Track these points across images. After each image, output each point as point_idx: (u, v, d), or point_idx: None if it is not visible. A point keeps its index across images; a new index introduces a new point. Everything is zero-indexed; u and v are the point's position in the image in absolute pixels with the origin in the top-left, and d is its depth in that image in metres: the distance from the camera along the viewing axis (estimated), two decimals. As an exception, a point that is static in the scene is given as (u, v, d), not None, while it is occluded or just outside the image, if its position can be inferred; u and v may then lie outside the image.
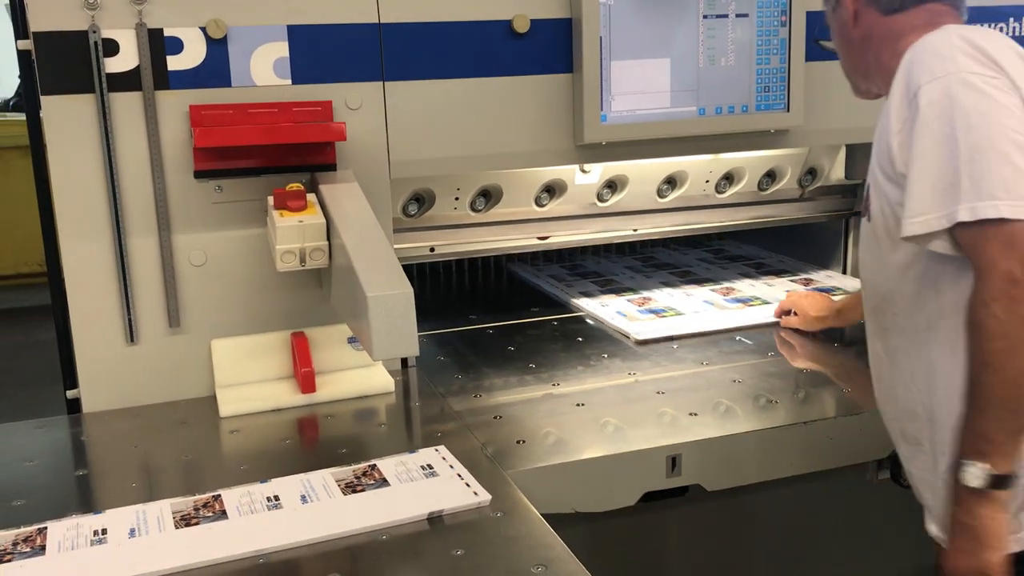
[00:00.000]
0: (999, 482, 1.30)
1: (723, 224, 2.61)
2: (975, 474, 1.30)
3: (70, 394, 1.94)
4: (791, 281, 2.65)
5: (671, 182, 2.47)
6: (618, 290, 2.62)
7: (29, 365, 5.56)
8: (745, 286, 2.61)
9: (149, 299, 1.88)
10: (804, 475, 1.77)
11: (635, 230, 2.52)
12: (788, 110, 2.20)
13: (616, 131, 2.10)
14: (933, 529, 1.49)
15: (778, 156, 2.51)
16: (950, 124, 1.31)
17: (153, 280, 1.87)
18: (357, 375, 1.98)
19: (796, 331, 2.23)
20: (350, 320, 1.73)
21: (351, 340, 2.01)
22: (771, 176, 2.57)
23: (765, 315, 2.34)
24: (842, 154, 2.56)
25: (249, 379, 1.95)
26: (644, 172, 2.41)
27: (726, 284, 2.64)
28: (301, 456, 1.67)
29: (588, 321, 2.40)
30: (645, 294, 2.57)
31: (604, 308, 2.45)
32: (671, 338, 2.22)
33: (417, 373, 2.05)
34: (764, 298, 2.49)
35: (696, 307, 2.45)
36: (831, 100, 2.24)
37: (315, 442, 1.77)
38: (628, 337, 2.24)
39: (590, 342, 2.23)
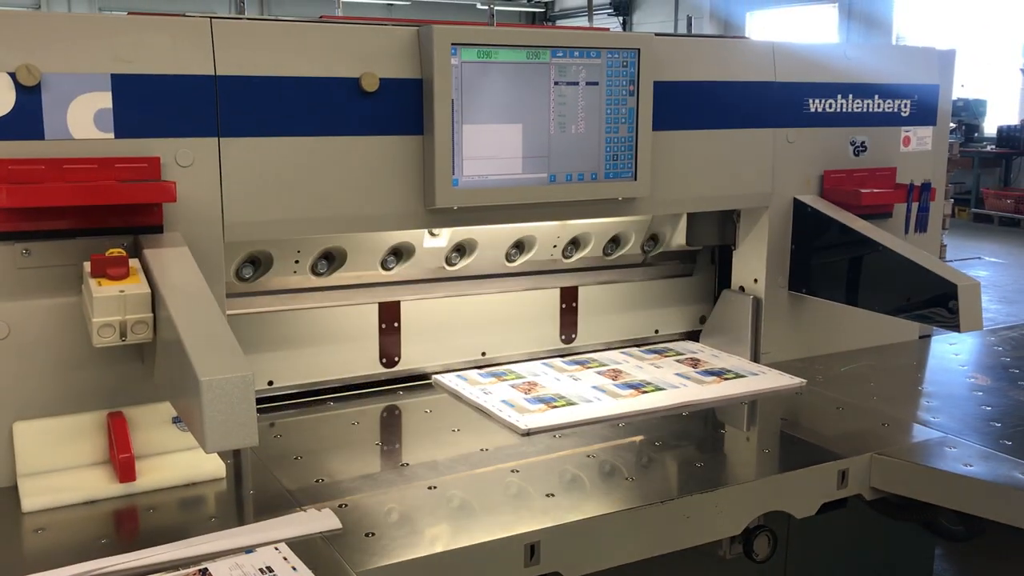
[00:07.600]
0: None
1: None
2: None
3: None
4: (678, 362, 2.47)
5: (519, 246, 2.42)
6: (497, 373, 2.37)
7: None
8: (632, 368, 2.42)
9: (-63, 377, 1.63)
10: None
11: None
12: (635, 179, 2.20)
13: (468, 196, 2.03)
14: None
15: (623, 223, 2.51)
16: None
17: (-58, 355, 1.63)
18: (183, 459, 1.79)
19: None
20: (177, 402, 1.55)
21: (176, 420, 1.82)
22: (616, 242, 2.57)
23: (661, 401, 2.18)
24: (683, 222, 2.60)
25: (58, 466, 1.72)
26: (493, 236, 2.35)
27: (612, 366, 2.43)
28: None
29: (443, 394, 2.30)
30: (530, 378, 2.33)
31: (487, 396, 2.19)
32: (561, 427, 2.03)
33: (250, 455, 1.88)
34: (657, 384, 2.29)
35: (587, 394, 2.22)
36: (674, 169, 2.27)
37: (135, 541, 1.57)
38: (517, 429, 2.01)
39: (442, 415, 2.13)
